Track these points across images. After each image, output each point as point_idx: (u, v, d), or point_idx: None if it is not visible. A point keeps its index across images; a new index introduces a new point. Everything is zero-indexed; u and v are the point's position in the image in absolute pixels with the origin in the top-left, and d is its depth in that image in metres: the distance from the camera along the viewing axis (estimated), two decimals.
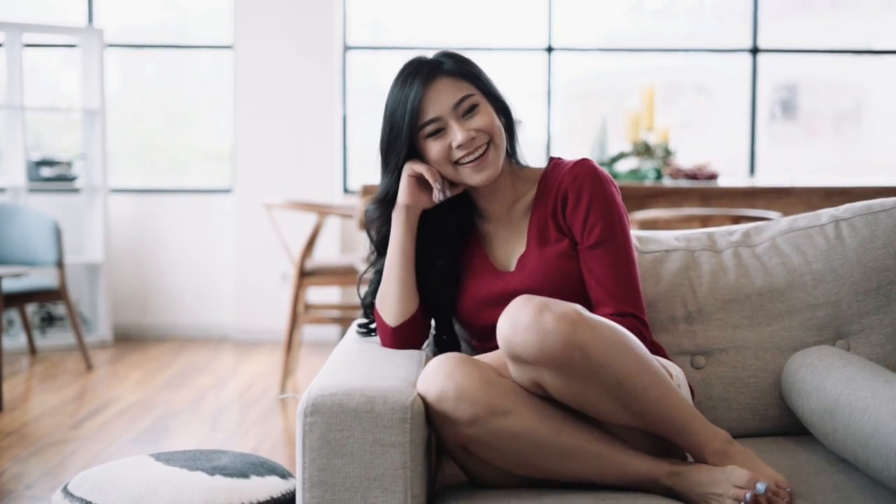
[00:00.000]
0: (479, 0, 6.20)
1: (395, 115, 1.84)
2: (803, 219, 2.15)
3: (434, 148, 1.84)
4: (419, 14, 6.22)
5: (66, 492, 1.87)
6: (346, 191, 5.99)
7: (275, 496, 1.87)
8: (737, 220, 3.55)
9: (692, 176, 4.68)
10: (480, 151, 1.84)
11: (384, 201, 1.90)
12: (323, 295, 5.70)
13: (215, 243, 5.95)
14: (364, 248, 5.77)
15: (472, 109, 1.84)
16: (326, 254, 5.66)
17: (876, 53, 6.25)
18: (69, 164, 5.73)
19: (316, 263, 4.65)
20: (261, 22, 5.75)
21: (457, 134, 1.82)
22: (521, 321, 1.60)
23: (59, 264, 4.96)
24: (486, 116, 1.84)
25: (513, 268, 1.92)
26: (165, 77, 6.41)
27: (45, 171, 5.65)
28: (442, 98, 1.83)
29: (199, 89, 6.43)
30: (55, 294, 4.95)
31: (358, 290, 2.02)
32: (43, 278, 5.23)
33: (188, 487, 1.82)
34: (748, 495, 1.58)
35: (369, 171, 6.00)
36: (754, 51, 5.99)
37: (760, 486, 1.59)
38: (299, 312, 4.61)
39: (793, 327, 2.05)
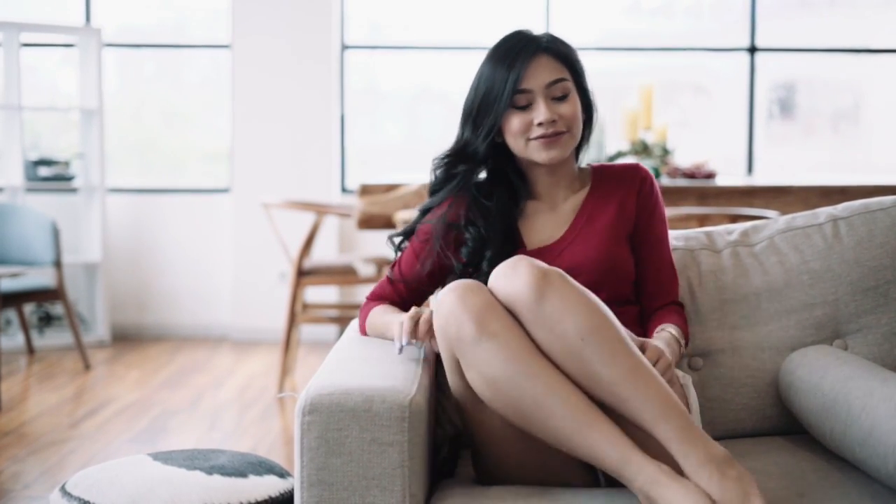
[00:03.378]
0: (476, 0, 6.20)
1: (494, 80, 1.88)
2: (801, 218, 2.14)
3: (516, 121, 1.88)
4: (417, 14, 6.22)
5: (63, 491, 1.87)
6: (343, 190, 5.98)
7: (273, 495, 1.87)
8: (735, 218, 3.54)
9: (690, 175, 4.68)
10: (556, 135, 1.89)
11: (458, 154, 1.94)
12: (321, 294, 5.70)
13: (213, 243, 5.94)
14: (362, 248, 5.78)
15: (563, 96, 1.89)
16: (324, 253, 5.65)
17: (874, 52, 6.25)
18: (67, 164, 5.72)
19: (314, 263, 4.65)
20: (258, 22, 5.75)
21: (542, 111, 1.87)
22: (500, 269, 1.68)
23: (57, 264, 4.95)
24: (573, 107, 1.90)
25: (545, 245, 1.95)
26: (163, 77, 6.41)
27: (43, 171, 5.64)
28: (539, 73, 1.88)
29: (196, 89, 6.42)
30: (53, 294, 4.95)
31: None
32: (40, 278, 5.23)
33: (186, 487, 1.82)
34: None
35: (367, 170, 6.01)
36: (752, 50, 5.99)
37: None
38: (297, 312, 4.61)
39: (790, 327, 2.05)
